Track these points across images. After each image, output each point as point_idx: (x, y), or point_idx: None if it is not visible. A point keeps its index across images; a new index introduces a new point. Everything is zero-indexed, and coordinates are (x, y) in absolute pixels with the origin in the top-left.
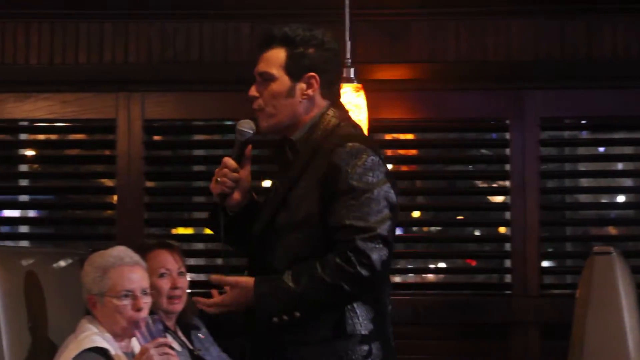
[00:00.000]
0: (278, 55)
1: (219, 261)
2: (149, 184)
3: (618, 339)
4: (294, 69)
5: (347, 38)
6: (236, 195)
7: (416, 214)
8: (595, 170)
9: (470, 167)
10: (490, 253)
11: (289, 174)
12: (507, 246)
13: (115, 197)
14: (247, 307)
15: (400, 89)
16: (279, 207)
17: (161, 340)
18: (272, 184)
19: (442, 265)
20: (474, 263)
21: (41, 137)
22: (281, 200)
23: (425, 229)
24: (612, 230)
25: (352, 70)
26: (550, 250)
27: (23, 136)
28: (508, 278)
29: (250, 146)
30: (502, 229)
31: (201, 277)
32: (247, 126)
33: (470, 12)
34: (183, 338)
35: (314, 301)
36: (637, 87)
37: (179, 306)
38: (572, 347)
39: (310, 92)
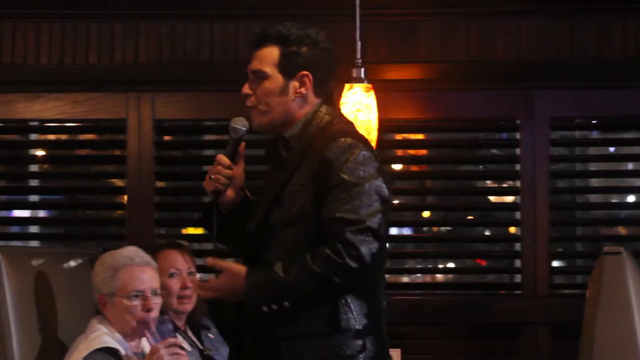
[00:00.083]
0: (272, 53)
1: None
2: (159, 184)
3: (628, 338)
4: (287, 67)
5: (358, 38)
6: (229, 193)
7: (426, 214)
8: (606, 170)
9: (480, 167)
10: (500, 253)
11: (282, 171)
12: (517, 246)
13: (125, 197)
14: (237, 295)
15: (411, 89)
16: (273, 204)
17: (171, 340)
18: (266, 182)
19: (452, 265)
20: (484, 263)
21: (51, 137)
22: (275, 197)
23: (435, 228)
24: (622, 230)
25: (362, 70)
26: (560, 250)
27: (33, 136)
28: (518, 278)
29: (243, 143)
30: (512, 229)
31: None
32: (240, 123)
33: (480, 12)
34: (193, 338)
35: (303, 291)
36: None
37: (189, 306)
38: (582, 347)
39: (303, 90)
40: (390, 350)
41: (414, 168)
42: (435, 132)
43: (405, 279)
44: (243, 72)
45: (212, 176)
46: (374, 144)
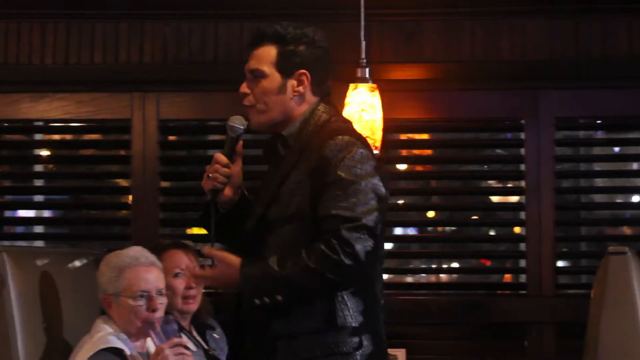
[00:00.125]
0: (269, 52)
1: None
2: (164, 184)
3: (633, 338)
4: (285, 66)
5: (362, 38)
6: (227, 192)
7: (431, 214)
8: (610, 170)
9: (485, 167)
10: (505, 253)
11: (280, 169)
12: (522, 246)
13: (130, 197)
14: (231, 285)
15: (415, 88)
16: (271, 202)
17: (176, 340)
18: (264, 180)
19: (456, 265)
20: (488, 263)
21: (56, 137)
22: (272, 195)
23: (440, 228)
24: (627, 230)
25: (367, 70)
26: (565, 250)
27: (38, 136)
28: (523, 278)
29: (241, 142)
30: (517, 229)
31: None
32: (238, 122)
33: (485, 12)
34: (198, 338)
35: (296, 286)
36: None
37: (193, 306)
38: (587, 347)
39: (301, 89)
40: (396, 350)
41: (418, 168)
42: (440, 132)
43: (410, 279)
44: None
45: (210, 175)
46: (378, 144)
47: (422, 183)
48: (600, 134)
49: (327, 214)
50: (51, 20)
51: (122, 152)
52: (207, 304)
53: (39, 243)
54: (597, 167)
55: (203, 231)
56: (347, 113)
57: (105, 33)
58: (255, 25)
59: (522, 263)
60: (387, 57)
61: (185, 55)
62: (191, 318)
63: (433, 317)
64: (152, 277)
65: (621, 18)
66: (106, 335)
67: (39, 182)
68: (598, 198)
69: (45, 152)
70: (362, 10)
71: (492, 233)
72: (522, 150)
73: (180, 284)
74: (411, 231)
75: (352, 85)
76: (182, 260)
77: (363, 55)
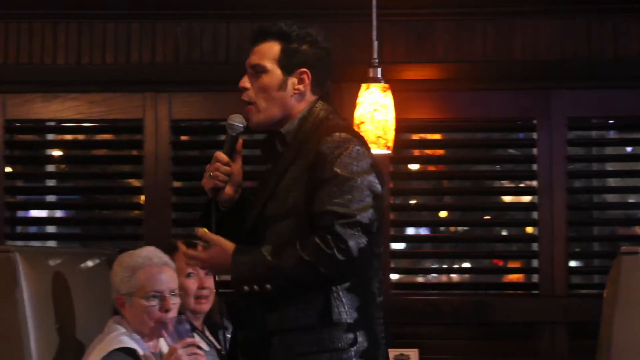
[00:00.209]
0: (272, 48)
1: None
2: (176, 184)
3: None
4: (287, 63)
5: (375, 38)
6: (228, 190)
7: (443, 214)
8: (623, 170)
9: (497, 167)
10: (518, 253)
11: (278, 166)
12: (535, 246)
13: (142, 197)
14: (222, 270)
15: (427, 88)
16: (268, 198)
17: (189, 340)
18: (262, 178)
19: (469, 265)
20: (501, 263)
21: (68, 137)
22: (270, 191)
23: (452, 228)
24: (639, 230)
25: (379, 70)
26: (577, 250)
27: (50, 136)
28: (535, 278)
29: (241, 140)
30: (529, 229)
31: (228, 276)
32: (238, 120)
33: (497, 11)
34: (211, 338)
35: (287, 276)
36: None
37: (206, 306)
38: (600, 347)
39: (301, 87)
40: (408, 350)
41: (431, 168)
42: (452, 132)
43: (422, 278)
44: None
45: (211, 174)
46: (391, 143)
47: (435, 183)
48: (612, 134)
49: (322, 210)
50: (63, 21)
51: (135, 152)
52: (219, 304)
53: (52, 243)
54: (610, 167)
55: None
56: (359, 113)
57: (117, 33)
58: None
59: (535, 263)
60: (399, 57)
61: (197, 55)
62: (204, 318)
63: (445, 317)
64: (165, 278)
65: (633, 18)
66: (119, 335)
67: (51, 182)
68: (610, 198)
69: (57, 152)
70: (374, 10)
71: (504, 233)
72: (535, 150)
73: (192, 284)
74: (423, 231)
75: (364, 85)
76: None
77: (375, 55)
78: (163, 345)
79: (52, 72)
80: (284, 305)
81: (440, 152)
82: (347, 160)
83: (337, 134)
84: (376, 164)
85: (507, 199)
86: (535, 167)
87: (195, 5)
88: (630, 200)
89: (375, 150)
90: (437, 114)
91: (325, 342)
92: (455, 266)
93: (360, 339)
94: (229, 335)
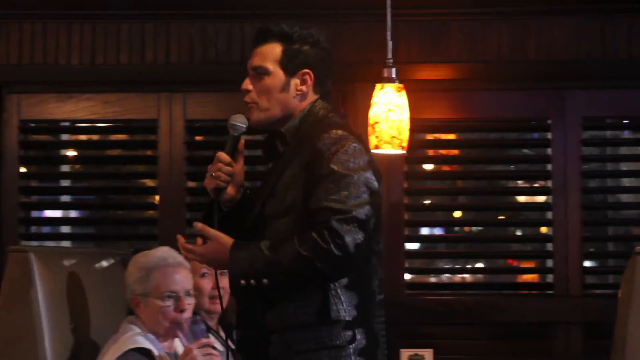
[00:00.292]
0: (274, 50)
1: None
2: (191, 184)
3: None
4: (289, 65)
5: (389, 38)
6: (230, 190)
7: (457, 214)
8: (637, 169)
9: (511, 167)
10: (532, 253)
11: (278, 165)
12: (549, 246)
13: (157, 198)
14: (220, 264)
15: (442, 88)
16: (268, 197)
17: (204, 340)
18: (264, 178)
19: (483, 265)
20: (515, 263)
21: (83, 137)
22: (269, 190)
23: (466, 229)
24: None
25: (393, 70)
26: (592, 250)
27: (65, 136)
28: (550, 278)
29: (243, 140)
30: (543, 229)
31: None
32: (239, 120)
33: (511, 12)
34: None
35: (283, 271)
36: None
37: (219, 306)
38: (615, 347)
39: (304, 88)
40: (423, 350)
41: (445, 168)
42: (466, 132)
43: (436, 279)
44: None
45: (213, 174)
46: (405, 143)
47: (449, 183)
48: (627, 134)
49: (319, 206)
50: (77, 21)
51: (149, 153)
52: (233, 304)
53: (66, 243)
54: (624, 167)
55: None
56: (373, 113)
57: (131, 33)
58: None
59: (549, 263)
60: (414, 57)
61: (211, 55)
62: (218, 318)
63: (460, 317)
64: (180, 278)
65: None
66: (134, 335)
67: (65, 183)
68: (625, 198)
69: (72, 153)
70: (389, 10)
71: (518, 233)
72: (549, 150)
73: (207, 284)
74: (438, 231)
75: (378, 86)
76: None
77: (389, 56)
78: (178, 345)
79: (67, 73)
80: (283, 303)
81: (455, 152)
82: (343, 157)
83: (334, 131)
84: (373, 161)
85: (521, 199)
86: (549, 167)
87: (210, 5)
88: None
89: (390, 150)
90: (451, 114)
91: (323, 339)
92: (470, 266)
93: (359, 336)
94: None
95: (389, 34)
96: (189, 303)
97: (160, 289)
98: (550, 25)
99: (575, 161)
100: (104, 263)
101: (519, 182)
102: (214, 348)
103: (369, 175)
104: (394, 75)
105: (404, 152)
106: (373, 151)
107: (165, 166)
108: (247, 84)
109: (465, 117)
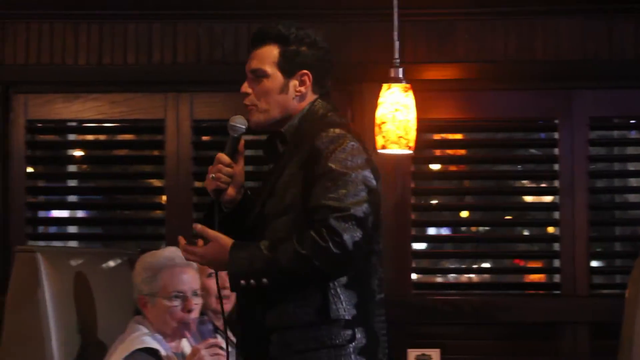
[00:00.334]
0: (271, 52)
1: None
2: (198, 184)
3: None
4: (288, 66)
5: (396, 38)
6: (231, 191)
7: (464, 213)
8: None
9: (518, 167)
10: (539, 253)
11: (278, 165)
12: (556, 246)
13: (164, 198)
14: (220, 265)
15: (449, 88)
16: (268, 196)
17: (212, 340)
18: (265, 178)
19: (490, 265)
20: (522, 263)
21: (90, 137)
22: (269, 189)
23: (473, 228)
24: None
25: (400, 70)
26: (599, 250)
27: (71, 136)
28: (557, 278)
29: (243, 141)
30: (550, 229)
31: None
32: (239, 121)
33: (518, 11)
34: (233, 338)
35: (283, 270)
36: None
37: (228, 306)
38: (622, 347)
39: (303, 89)
40: (430, 350)
41: (452, 168)
42: (473, 132)
43: (443, 279)
44: None
45: (213, 175)
46: (412, 143)
47: (456, 183)
48: (634, 134)
49: (317, 205)
50: (84, 21)
51: (156, 153)
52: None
53: (73, 243)
54: (631, 167)
55: None
56: (380, 113)
57: (139, 33)
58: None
59: (556, 263)
60: (420, 57)
61: (218, 55)
62: (226, 319)
63: (467, 317)
64: (188, 278)
65: None
66: (141, 335)
67: (72, 183)
68: (632, 198)
69: (78, 153)
70: (396, 10)
71: (525, 233)
72: (556, 150)
73: (214, 284)
74: (445, 231)
75: (385, 86)
76: None
77: (396, 56)
78: (185, 345)
79: (74, 73)
80: (282, 302)
81: (462, 152)
82: (341, 156)
83: (332, 130)
84: (371, 159)
85: (528, 199)
86: (556, 167)
87: (217, 5)
88: None
89: (397, 150)
90: (458, 114)
91: (323, 338)
92: (477, 266)
93: (358, 335)
94: None
95: (395, 34)
96: (196, 303)
97: (167, 289)
98: (558, 25)
99: (582, 161)
100: (111, 263)
101: (526, 182)
102: (222, 348)
103: (367, 173)
104: (401, 75)
105: (411, 152)
106: (380, 151)
107: (173, 166)
108: (246, 87)
109: (472, 117)
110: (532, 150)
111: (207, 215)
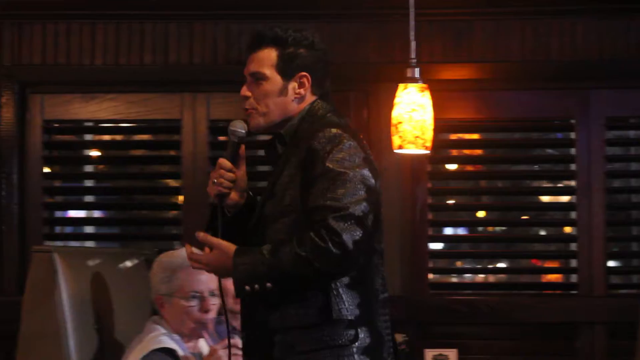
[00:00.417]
0: (269, 55)
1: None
2: None
3: None
4: (286, 69)
5: (412, 38)
6: (234, 196)
7: (481, 213)
8: None
9: (535, 166)
10: (556, 253)
11: (278, 166)
12: (573, 246)
13: (180, 198)
14: (224, 272)
15: (465, 88)
16: (268, 198)
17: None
18: (267, 180)
19: (507, 265)
20: (539, 263)
21: (106, 137)
22: (269, 191)
23: (490, 228)
24: None
25: (416, 70)
26: (616, 250)
27: (88, 137)
28: (574, 278)
29: (243, 146)
30: (567, 229)
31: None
32: (239, 126)
33: (535, 11)
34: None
35: (285, 273)
36: None
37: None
38: (639, 346)
39: (302, 91)
40: (447, 350)
41: (469, 168)
42: (490, 132)
43: (460, 279)
44: None
45: (215, 180)
46: (429, 143)
47: (473, 183)
48: None
49: (315, 205)
50: (101, 21)
51: (173, 153)
52: None
53: (90, 243)
54: None
55: None
56: (397, 113)
57: (155, 33)
58: (305, 26)
59: (573, 263)
60: (437, 57)
61: (235, 55)
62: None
63: (484, 317)
64: (205, 278)
65: None
66: (159, 335)
67: (89, 183)
68: None
69: (95, 153)
70: (412, 10)
71: (542, 233)
72: (573, 150)
73: (231, 284)
74: (461, 231)
75: (401, 85)
76: None
77: (413, 55)
78: (203, 345)
79: (90, 73)
80: (284, 304)
81: (478, 152)
82: (338, 155)
83: (329, 130)
84: (370, 158)
85: (545, 199)
86: (573, 167)
87: (233, 6)
88: None
89: (413, 150)
90: (475, 114)
91: (326, 339)
92: (494, 266)
93: (361, 335)
94: None
95: (412, 33)
96: (214, 303)
97: (184, 289)
98: (574, 24)
99: (599, 161)
100: (128, 263)
101: (543, 182)
102: (239, 348)
103: (365, 172)
104: (417, 75)
105: (427, 152)
106: (396, 151)
107: (189, 166)
108: (245, 91)
109: (488, 117)
110: (549, 150)
111: (211, 220)
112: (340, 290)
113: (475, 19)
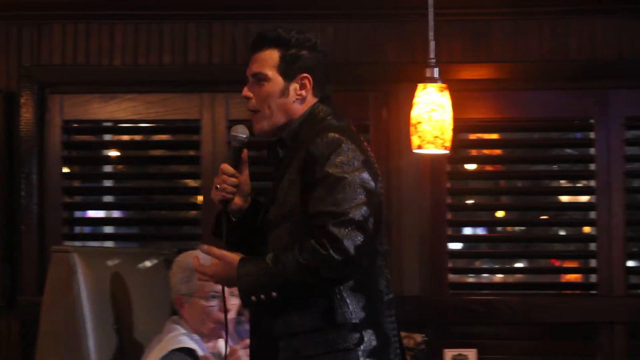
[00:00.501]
0: (271, 56)
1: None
2: None
3: None
4: (288, 70)
5: (431, 38)
6: (237, 200)
7: (500, 213)
8: None
9: (554, 166)
10: (575, 253)
11: (279, 170)
12: (592, 246)
13: (199, 198)
14: (230, 283)
15: (484, 88)
16: (270, 203)
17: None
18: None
19: (526, 265)
20: (558, 263)
21: (125, 137)
22: (271, 196)
23: (509, 228)
24: None
25: (435, 70)
26: (635, 250)
27: (107, 137)
28: (593, 278)
29: (245, 150)
30: (587, 229)
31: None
32: (241, 131)
33: (554, 11)
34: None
35: (290, 282)
36: None
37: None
38: None
39: (303, 92)
40: (466, 350)
41: (488, 168)
42: (509, 132)
43: (479, 278)
44: None
45: (218, 186)
46: (448, 143)
47: (492, 183)
48: None
49: (315, 211)
50: (120, 22)
51: (192, 153)
52: None
53: (109, 243)
54: None
55: None
56: (416, 113)
57: (174, 34)
58: (323, 26)
59: (593, 263)
60: (456, 57)
61: None
62: None
63: (503, 317)
64: None
65: None
66: (178, 335)
67: (108, 183)
68: None
69: (114, 153)
70: (431, 10)
71: (562, 233)
72: (592, 150)
73: None
74: (480, 231)
75: (420, 85)
76: None
77: (432, 55)
78: (222, 345)
79: (109, 73)
80: (288, 310)
81: (498, 151)
82: (337, 160)
83: (327, 134)
84: (370, 160)
85: (564, 198)
86: (593, 166)
87: (252, 5)
88: None
89: (433, 150)
90: (494, 113)
91: (331, 343)
92: (513, 266)
93: (367, 337)
94: None
95: (431, 33)
96: (233, 303)
97: (204, 289)
98: (593, 24)
99: (618, 161)
100: (147, 263)
101: (562, 181)
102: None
103: (365, 175)
104: (436, 75)
105: (447, 152)
106: (416, 151)
107: (208, 166)
108: (247, 91)
109: (507, 117)
110: (568, 150)
111: (216, 226)
112: (344, 294)
113: (494, 18)
